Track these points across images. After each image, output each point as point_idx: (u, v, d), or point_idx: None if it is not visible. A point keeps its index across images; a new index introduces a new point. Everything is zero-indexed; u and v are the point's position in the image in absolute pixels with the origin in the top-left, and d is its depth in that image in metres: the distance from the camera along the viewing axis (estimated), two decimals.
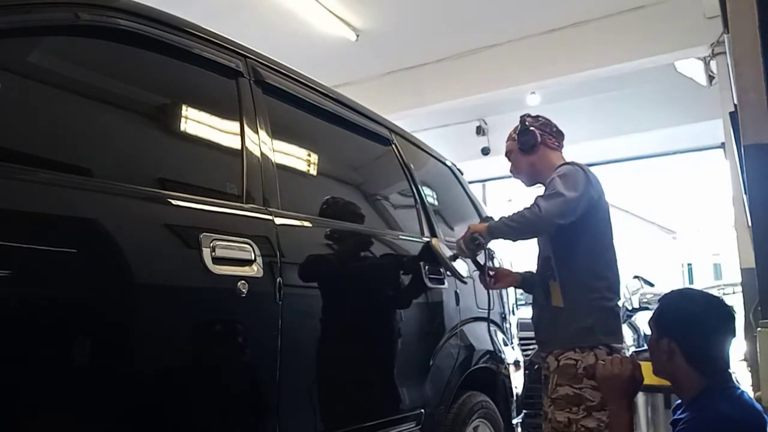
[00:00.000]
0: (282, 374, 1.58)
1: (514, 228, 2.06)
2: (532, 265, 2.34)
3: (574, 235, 2.07)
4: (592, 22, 5.48)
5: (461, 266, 2.33)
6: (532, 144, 2.25)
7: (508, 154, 2.35)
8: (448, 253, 2.27)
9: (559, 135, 2.31)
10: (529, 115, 2.33)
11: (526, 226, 2.04)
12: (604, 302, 2.07)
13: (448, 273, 2.32)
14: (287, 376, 1.61)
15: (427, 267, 2.28)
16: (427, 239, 2.38)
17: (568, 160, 2.23)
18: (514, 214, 2.06)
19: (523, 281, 2.37)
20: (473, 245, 2.14)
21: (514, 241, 2.15)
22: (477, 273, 2.38)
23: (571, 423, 1.99)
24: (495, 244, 2.26)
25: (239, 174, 1.64)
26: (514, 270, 2.43)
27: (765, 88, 1.40)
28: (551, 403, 2.06)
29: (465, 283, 2.41)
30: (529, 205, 2.04)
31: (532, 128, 2.26)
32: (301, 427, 1.68)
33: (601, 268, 2.10)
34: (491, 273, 2.34)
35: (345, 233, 2.01)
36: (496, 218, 2.17)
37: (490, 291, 2.44)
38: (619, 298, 2.14)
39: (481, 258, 2.26)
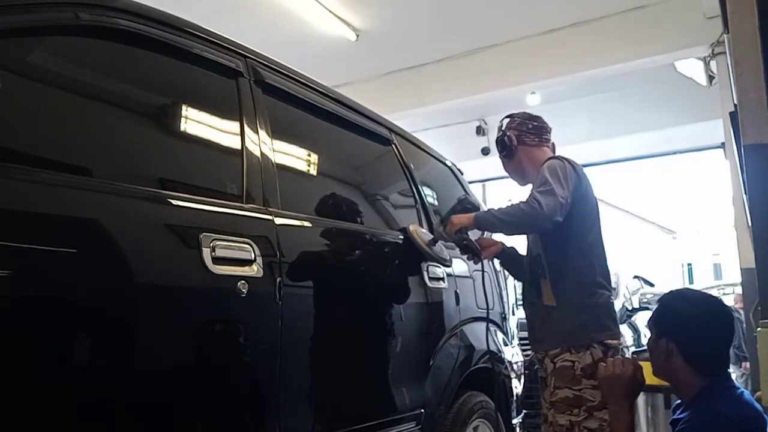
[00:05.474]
0: (282, 374, 1.59)
1: (508, 222, 2.03)
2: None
3: (564, 232, 2.06)
4: (592, 22, 5.48)
5: (441, 249, 2.31)
6: (509, 148, 2.26)
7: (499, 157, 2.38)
8: (426, 238, 2.24)
9: (539, 131, 2.28)
10: (508, 116, 2.32)
11: (523, 221, 2.01)
12: (597, 298, 2.07)
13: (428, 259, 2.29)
14: (287, 376, 1.61)
15: (427, 266, 2.28)
16: (419, 230, 2.32)
17: (556, 155, 2.22)
18: (508, 207, 2.04)
19: (503, 252, 2.36)
20: (457, 237, 2.14)
21: (507, 234, 2.14)
22: (460, 252, 2.36)
23: (573, 426, 1.99)
24: None
25: (239, 174, 1.64)
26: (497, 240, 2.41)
27: (765, 88, 1.40)
28: (551, 407, 2.06)
29: (448, 266, 2.38)
30: (525, 200, 2.02)
31: (508, 132, 2.26)
32: (301, 427, 1.69)
33: (591, 264, 2.10)
34: (478, 250, 2.29)
35: (345, 233, 2.01)
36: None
37: (492, 291, 2.45)
38: (611, 290, 2.13)
39: (466, 242, 2.23)
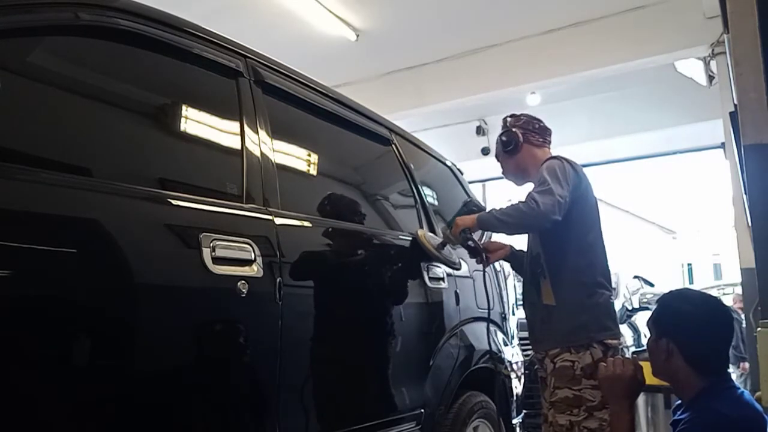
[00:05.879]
0: (282, 374, 1.58)
1: (508, 222, 2.06)
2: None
3: (564, 232, 2.07)
4: (592, 22, 5.48)
5: (450, 253, 2.32)
6: (515, 144, 2.27)
7: (496, 157, 2.38)
8: (435, 242, 2.26)
9: (543, 131, 2.32)
10: (511, 115, 2.35)
11: (522, 220, 2.04)
12: (597, 298, 2.08)
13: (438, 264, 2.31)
14: (287, 376, 1.61)
15: (427, 266, 2.28)
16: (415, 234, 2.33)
17: (556, 155, 2.23)
18: (507, 207, 2.06)
19: (512, 255, 2.38)
20: (461, 238, 2.17)
21: (508, 234, 2.16)
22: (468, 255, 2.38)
23: (573, 426, 1.99)
24: None
25: (239, 174, 1.64)
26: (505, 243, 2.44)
27: (765, 88, 1.40)
28: (551, 407, 2.06)
29: (458, 269, 2.40)
30: (524, 200, 2.04)
31: (513, 129, 2.28)
32: (301, 427, 1.68)
33: (591, 263, 2.11)
34: (483, 251, 2.30)
35: (345, 233, 2.01)
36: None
37: (491, 291, 2.45)
38: (611, 290, 2.14)
39: (471, 243, 2.26)
